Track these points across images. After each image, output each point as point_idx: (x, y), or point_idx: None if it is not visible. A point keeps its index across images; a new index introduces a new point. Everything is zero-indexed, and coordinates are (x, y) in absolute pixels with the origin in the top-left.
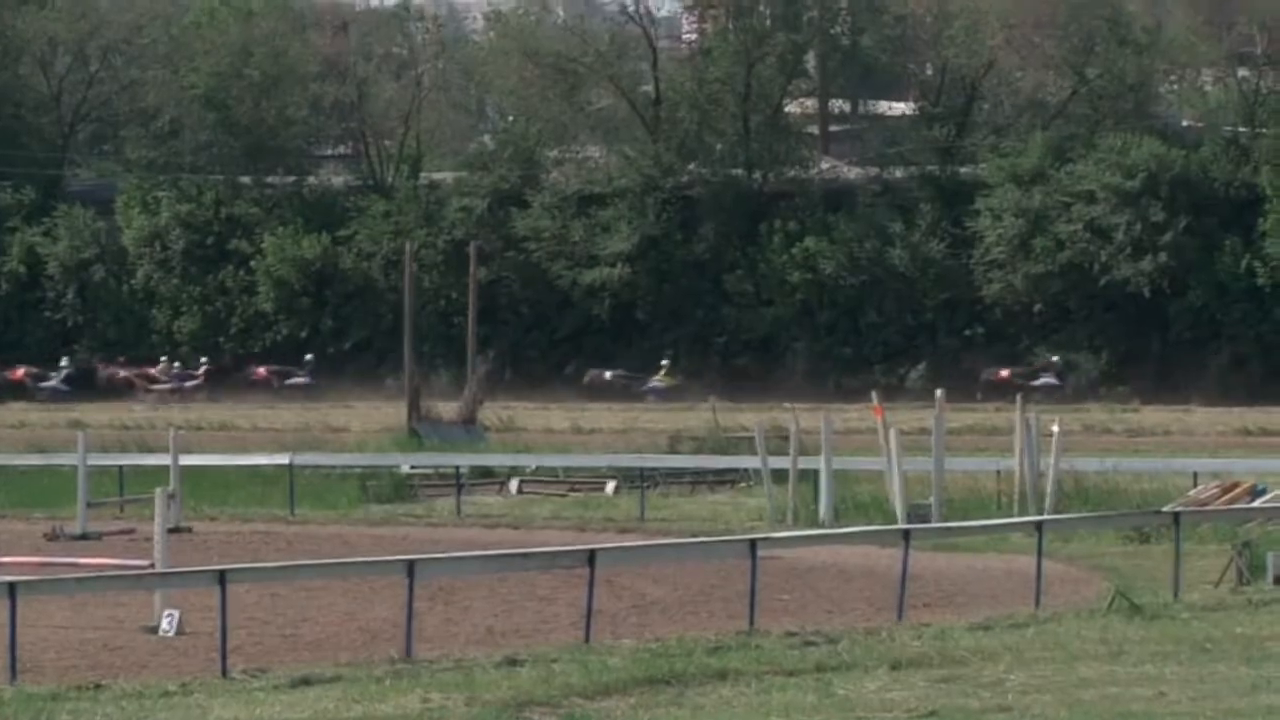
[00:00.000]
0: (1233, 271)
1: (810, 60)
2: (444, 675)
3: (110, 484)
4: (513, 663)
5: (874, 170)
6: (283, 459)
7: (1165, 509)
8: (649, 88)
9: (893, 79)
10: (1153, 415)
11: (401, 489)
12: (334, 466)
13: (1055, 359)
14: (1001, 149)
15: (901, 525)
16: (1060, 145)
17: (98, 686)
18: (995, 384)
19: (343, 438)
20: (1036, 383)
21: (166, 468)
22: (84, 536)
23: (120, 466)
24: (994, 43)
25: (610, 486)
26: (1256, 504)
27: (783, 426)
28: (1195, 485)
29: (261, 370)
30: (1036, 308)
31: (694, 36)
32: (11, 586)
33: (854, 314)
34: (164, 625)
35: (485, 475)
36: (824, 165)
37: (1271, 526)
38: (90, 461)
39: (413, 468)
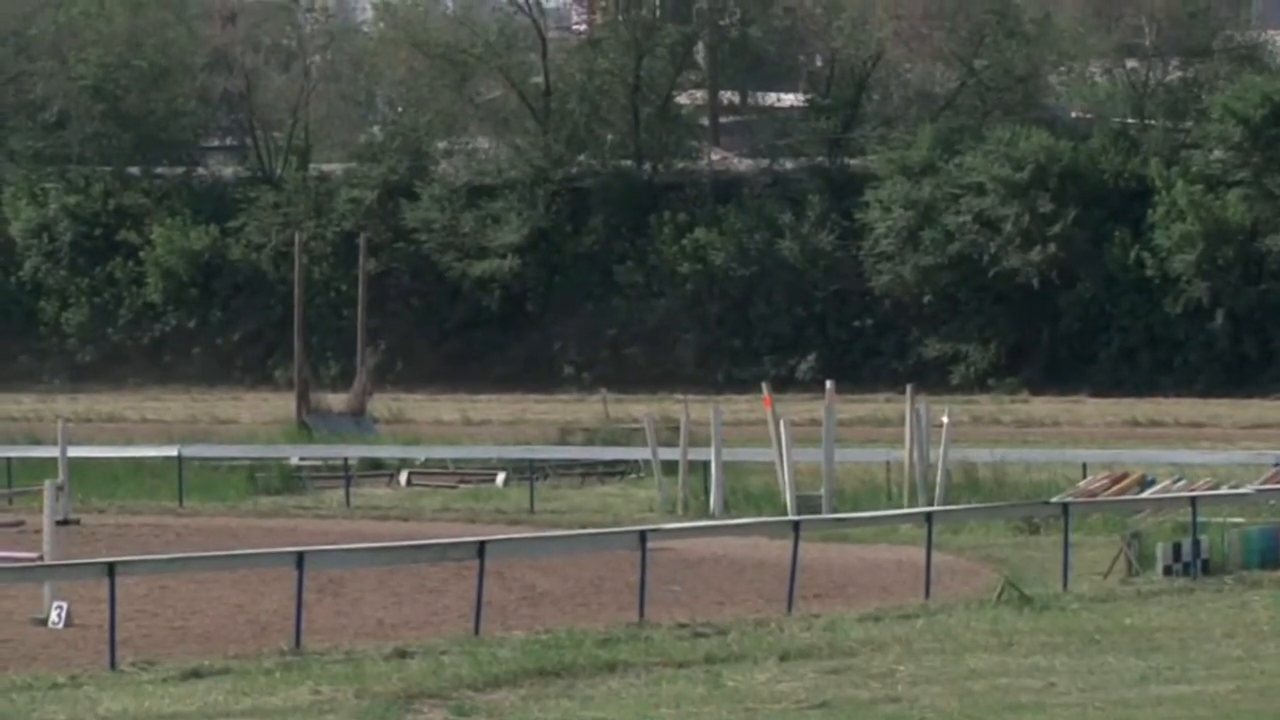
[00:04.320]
0: (1122, 263)
1: (700, 51)
2: (334, 667)
3: None
4: (402, 655)
5: (764, 162)
6: (171, 451)
7: (1054, 500)
8: (539, 79)
9: (782, 70)
10: (1042, 406)
11: (290, 481)
12: (223, 458)
13: None
14: (890, 141)
15: (791, 516)
16: (949, 137)
17: None
18: None
19: (231, 430)
20: None
21: (55, 460)
22: None
23: (8, 459)
24: (882, 34)
25: (500, 478)
26: (1145, 495)
27: (673, 418)
28: (1085, 476)
29: None
30: (926, 299)
31: (583, 27)
32: None
33: (744, 305)
34: (53, 617)
35: (375, 467)
36: (714, 156)
37: (1161, 517)
38: None
39: (302, 459)
